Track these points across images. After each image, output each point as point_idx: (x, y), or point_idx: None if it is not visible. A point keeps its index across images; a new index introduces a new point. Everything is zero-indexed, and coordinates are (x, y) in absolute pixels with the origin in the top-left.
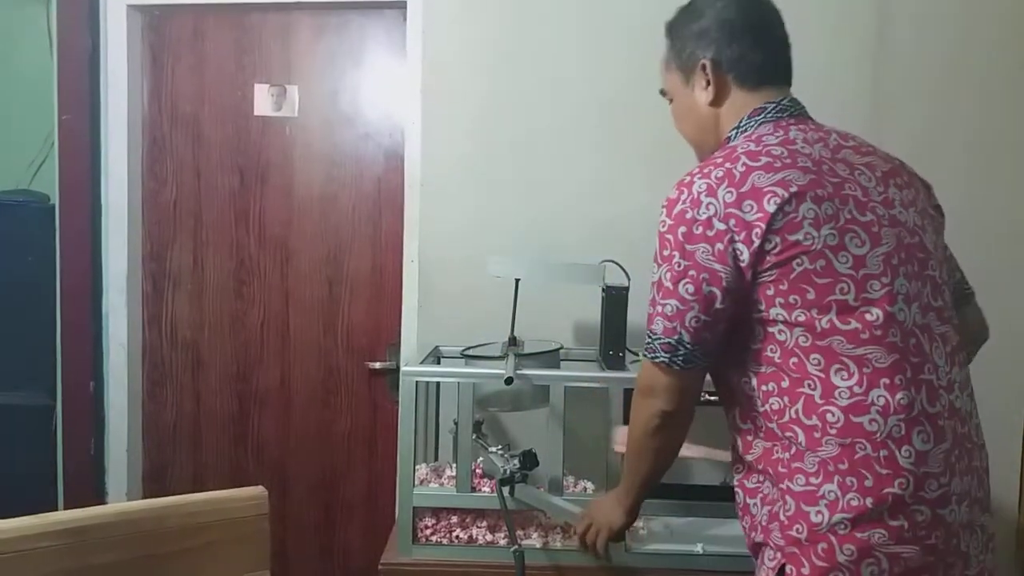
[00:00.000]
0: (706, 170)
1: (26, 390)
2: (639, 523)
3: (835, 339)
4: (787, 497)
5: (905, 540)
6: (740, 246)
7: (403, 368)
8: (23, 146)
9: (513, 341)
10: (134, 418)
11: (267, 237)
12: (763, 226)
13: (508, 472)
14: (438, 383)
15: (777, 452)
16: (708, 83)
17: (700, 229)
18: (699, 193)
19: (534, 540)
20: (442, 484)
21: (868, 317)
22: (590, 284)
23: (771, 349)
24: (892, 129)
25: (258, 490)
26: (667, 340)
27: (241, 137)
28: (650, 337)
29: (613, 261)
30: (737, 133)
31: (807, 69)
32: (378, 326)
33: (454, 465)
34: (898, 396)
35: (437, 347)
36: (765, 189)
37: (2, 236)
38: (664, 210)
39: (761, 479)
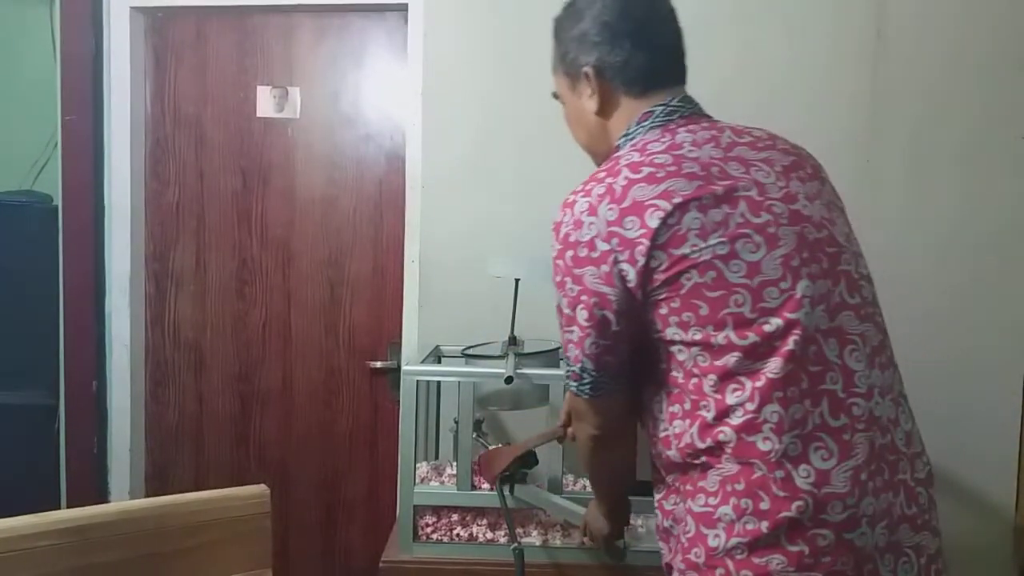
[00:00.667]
0: (588, 187)
1: (29, 390)
2: (637, 520)
3: (732, 356)
4: (688, 518)
5: (806, 567)
6: (625, 266)
7: (404, 367)
8: (26, 147)
9: (513, 340)
10: (136, 418)
11: (269, 238)
12: (647, 243)
13: (508, 470)
14: (439, 382)
15: (682, 469)
16: (592, 91)
17: (585, 251)
18: (581, 213)
19: (534, 538)
20: (443, 482)
21: (767, 328)
22: None
23: (675, 369)
24: (893, 129)
25: (260, 489)
26: (573, 368)
27: (243, 139)
28: (565, 362)
29: None
30: (625, 141)
31: (807, 70)
32: (379, 326)
33: (455, 463)
34: (791, 410)
35: (438, 347)
36: (647, 203)
37: (5, 236)
38: (553, 234)
39: (676, 500)
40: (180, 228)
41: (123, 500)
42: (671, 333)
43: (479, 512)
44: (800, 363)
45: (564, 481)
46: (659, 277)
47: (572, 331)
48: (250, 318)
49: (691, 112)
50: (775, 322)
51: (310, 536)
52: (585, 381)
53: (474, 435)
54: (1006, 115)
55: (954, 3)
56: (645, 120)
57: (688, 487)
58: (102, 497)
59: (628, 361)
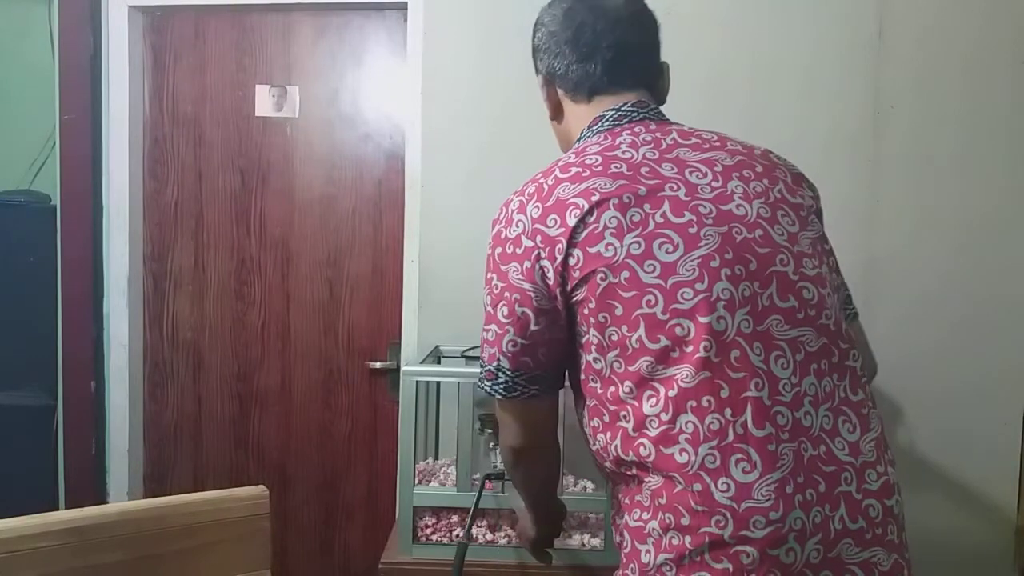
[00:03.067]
0: (524, 187)
1: (27, 390)
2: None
3: (644, 360)
4: (625, 533)
5: None
6: (545, 263)
7: (403, 368)
8: (24, 146)
9: None
10: (135, 418)
11: (268, 238)
12: (564, 241)
13: (496, 467)
14: (438, 383)
15: (620, 483)
16: (545, 99)
17: (511, 248)
18: (512, 211)
19: None
20: (442, 484)
21: (679, 331)
22: None
23: (592, 379)
24: (894, 131)
25: (259, 490)
26: (488, 367)
27: (242, 138)
28: (481, 364)
29: None
30: (577, 145)
31: (807, 71)
32: (378, 326)
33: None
34: (707, 420)
35: (437, 347)
36: (568, 201)
37: (3, 236)
38: (490, 237)
39: (616, 516)
40: (178, 228)
41: (121, 501)
42: (592, 336)
43: (479, 513)
44: (717, 370)
45: (564, 481)
46: (576, 275)
47: (490, 329)
48: (249, 318)
49: (643, 116)
50: (687, 324)
51: (309, 537)
52: (499, 380)
53: (489, 432)
54: (1008, 115)
55: (955, 3)
56: (595, 124)
57: (626, 501)
58: (100, 498)
59: (547, 368)
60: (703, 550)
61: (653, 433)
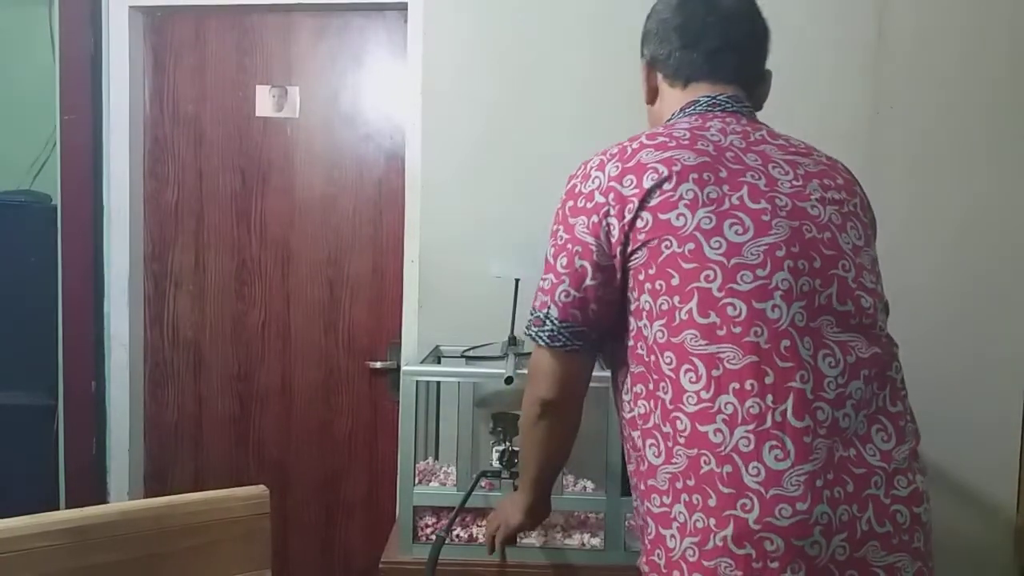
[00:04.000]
0: (608, 149)
1: (28, 390)
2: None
3: (689, 333)
4: (648, 520)
5: (754, 572)
6: (612, 220)
7: (404, 368)
8: (25, 147)
9: (513, 341)
10: (135, 418)
11: (268, 238)
12: (636, 202)
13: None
14: (438, 383)
15: (639, 465)
16: (643, 81)
17: (583, 202)
18: (591, 168)
19: (533, 539)
20: (442, 483)
21: (730, 311)
22: None
23: (640, 346)
24: (895, 132)
25: (259, 489)
26: (537, 314)
27: (242, 138)
28: (531, 311)
29: None
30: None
31: (808, 72)
32: (379, 326)
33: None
34: (747, 403)
35: (438, 347)
36: (648, 165)
37: (4, 236)
38: (565, 185)
39: (636, 500)
40: (179, 228)
41: (122, 501)
42: (643, 301)
43: (479, 513)
44: (765, 356)
45: (564, 481)
46: (640, 238)
47: (547, 278)
48: (249, 318)
49: (735, 109)
50: (740, 306)
51: (309, 536)
52: (545, 328)
53: (499, 429)
54: (1009, 115)
55: (956, 3)
56: (688, 107)
57: (642, 486)
58: (101, 498)
59: (593, 326)
60: (727, 534)
61: (691, 409)
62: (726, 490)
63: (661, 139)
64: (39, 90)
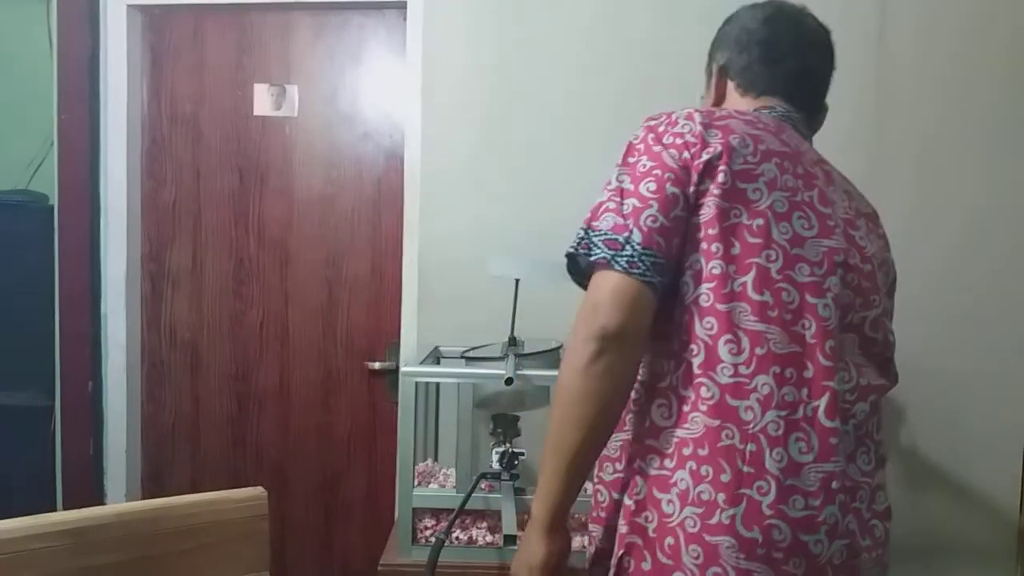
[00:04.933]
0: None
1: (25, 391)
2: None
3: (739, 306)
4: (638, 479)
5: (757, 557)
6: (697, 161)
7: (403, 368)
8: (22, 146)
9: (513, 341)
10: (133, 419)
11: (266, 238)
12: (720, 149)
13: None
14: (438, 383)
15: (637, 423)
16: (713, 86)
17: (670, 139)
18: (678, 117)
19: None
20: (441, 485)
21: (784, 296)
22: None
23: (677, 305)
24: (897, 133)
25: (257, 491)
26: (613, 236)
27: (241, 137)
28: (588, 232)
29: None
30: None
31: None
32: (377, 327)
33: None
34: (784, 390)
35: (437, 347)
36: (737, 131)
37: (1, 236)
38: (635, 134)
39: (618, 467)
40: (176, 228)
41: (119, 502)
42: (693, 260)
43: (478, 515)
44: (810, 350)
45: None
46: (716, 192)
47: (626, 202)
48: (247, 318)
49: (802, 131)
50: (794, 293)
51: (308, 538)
52: (624, 252)
53: (499, 431)
54: (1010, 115)
55: (955, 3)
56: (763, 110)
57: (636, 446)
58: (98, 499)
59: (672, 261)
60: (736, 513)
61: (724, 380)
62: (746, 468)
63: (749, 117)
64: (36, 89)
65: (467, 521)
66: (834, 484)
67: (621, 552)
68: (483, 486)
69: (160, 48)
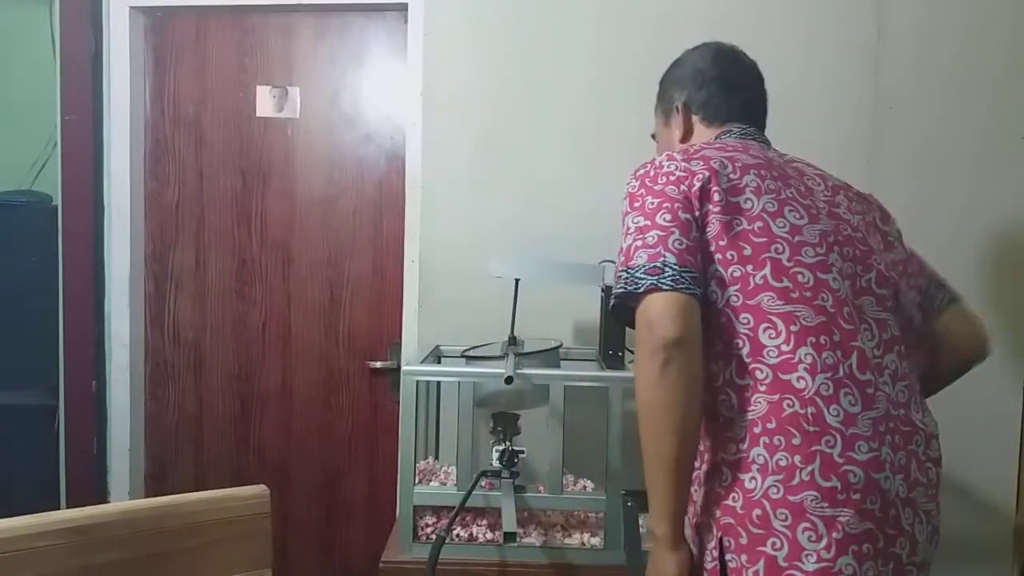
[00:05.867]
0: (670, 153)
1: (29, 390)
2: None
3: (765, 296)
4: (723, 468)
5: (839, 503)
6: (694, 189)
7: (404, 368)
8: (26, 147)
9: (513, 340)
10: (136, 418)
11: (269, 238)
12: (709, 175)
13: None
14: (439, 382)
15: (707, 422)
16: (679, 122)
17: (663, 180)
18: (662, 161)
19: (534, 539)
20: (443, 483)
21: (800, 279)
22: (590, 284)
23: (706, 311)
24: (895, 132)
25: (259, 489)
26: (652, 265)
27: (243, 138)
28: (629, 271)
29: (612, 261)
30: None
31: (808, 73)
32: (379, 326)
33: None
34: (824, 355)
35: (438, 347)
36: (713, 157)
37: (5, 237)
38: (632, 180)
39: (697, 463)
40: (180, 228)
41: (123, 500)
42: (713, 270)
43: (479, 512)
44: (833, 318)
45: (564, 481)
46: (715, 210)
47: (648, 235)
48: (250, 318)
49: (763, 141)
50: (808, 274)
51: (310, 536)
52: (666, 274)
53: (499, 429)
54: (1008, 115)
55: (954, 5)
56: (723, 135)
57: (710, 440)
58: (102, 497)
59: (701, 274)
60: (813, 468)
61: (772, 360)
62: (811, 428)
63: (717, 145)
64: (40, 90)
65: (467, 518)
66: (881, 427)
67: (720, 535)
68: (483, 484)
69: (163, 50)
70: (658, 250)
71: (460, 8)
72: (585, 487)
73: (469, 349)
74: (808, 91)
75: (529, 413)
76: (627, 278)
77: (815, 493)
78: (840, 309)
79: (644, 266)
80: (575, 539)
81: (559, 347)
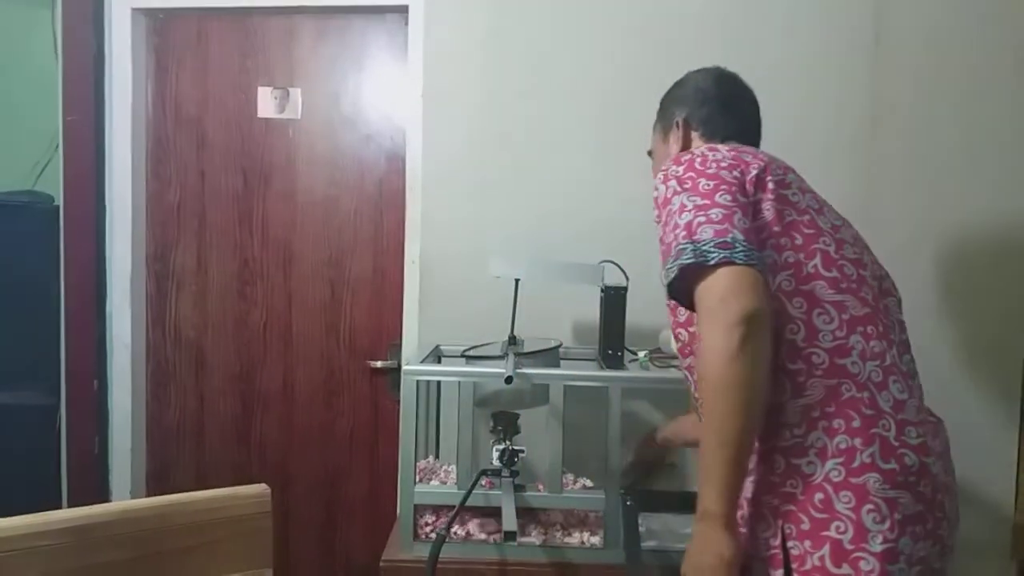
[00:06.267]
0: (692, 149)
1: (30, 389)
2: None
3: (818, 284)
4: (775, 456)
5: (898, 485)
6: (749, 176)
7: (404, 367)
8: (28, 147)
9: (513, 340)
10: (138, 417)
11: (270, 238)
12: (763, 164)
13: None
14: (439, 382)
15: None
16: (678, 137)
17: (715, 165)
18: (704, 152)
19: (533, 538)
20: (443, 482)
21: (847, 270)
22: (589, 284)
23: None
24: (891, 133)
25: (260, 488)
26: (721, 240)
27: (244, 139)
28: (695, 244)
29: (612, 261)
30: None
31: (807, 74)
32: (380, 326)
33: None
34: (872, 344)
35: (438, 346)
36: (753, 152)
37: (7, 236)
38: (668, 172)
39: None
40: (181, 228)
41: (124, 500)
42: (767, 255)
43: (479, 512)
44: (874, 310)
45: (564, 480)
46: (769, 198)
47: (712, 212)
48: (251, 318)
49: None
50: (851, 268)
51: (310, 535)
52: (738, 249)
53: (499, 428)
54: (1005, 119)
55: (952, 6)
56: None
57: (765, 431)
58: (103, 497)
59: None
60: (874, 451)
61: (827, 345)
62: (868, 412)
63: (740, 149)
64: (42, 91)
65: (467, 517)
66: (921, 416)
67: (780, 523)
68: (483, 483)
69: (164, 51)
70: (725, 226)
71: (460, 10)
72: (584, 485)
73: (469, 349)
74: (807, 96)
75: (529, 413)
76: (694, 250)
77: (877, 475)
78: (877, 304)
79: (713, 240)
80: (575, 538)
81: (559, 347)
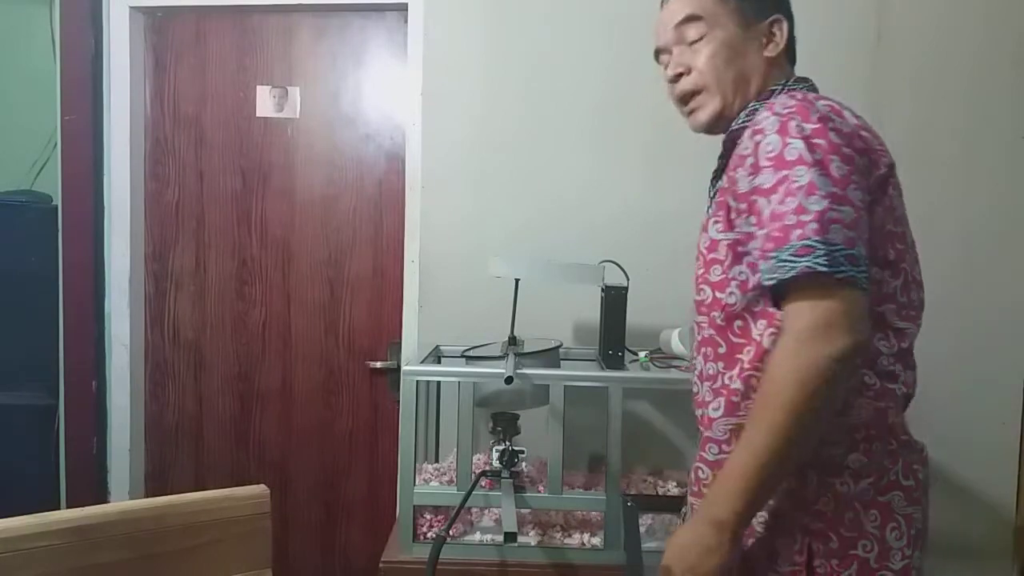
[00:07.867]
0: (809, 97)
1: (29, 390)
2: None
3: (889, 307)
4: (807, 472)
5: (914, 501)
6: (877, 174)
7: (404, 367)
8: (26, 147)
9: (513, 340)
10: (136, 418)
11: (269, 238)
12: (892, 162)
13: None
14: (439, 382)
15: None
16: (776, 41)
17: (847, 139)
18: (827, 109)
19: (530, 537)
20: (443, 482)
21: (913, 295)
22: (590, 284)
23: None
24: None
25: (259, 489)
26: (850, 252)
27: (243, 138)
28: (828, 245)
29: (612, 261)
30: (784, 87)
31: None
32: (379, 326)
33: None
34: (907, 373)
35: (438, 346)
36: (875, 134)
37: (5, 236)
38: (792, 121)
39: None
40: (180, 228)
41: (123, 500)
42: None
43: (478, 512)
44: (914, 340)
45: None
46: (886, 204)
47: (844, 210)
48: (250, 318)
49: None
50: (916, 294)
51: (310, 536)
52: (862, 269)
53: (499, 429)
54: (1005, 117)
55: (953, 6)
56: (805, 82)
57: None
58: (102, 497)
59: None
60: (898, 469)
61: (881, 368)
62: (903, 436)
63: (863, 123)
64: (40, 90)
65: (467, 517)
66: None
67: (808, 540)
68: (483, 484)
69: (163, 50)
70: (854, 234)
71: (460, 9)
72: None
73: (469, 349)
74: None
75: (528, 413)
76: (827, 254)
77: (900, 493)
78: (918, 332)
79: (843, 248)
80: (575, 539)
81: (559, 347)
